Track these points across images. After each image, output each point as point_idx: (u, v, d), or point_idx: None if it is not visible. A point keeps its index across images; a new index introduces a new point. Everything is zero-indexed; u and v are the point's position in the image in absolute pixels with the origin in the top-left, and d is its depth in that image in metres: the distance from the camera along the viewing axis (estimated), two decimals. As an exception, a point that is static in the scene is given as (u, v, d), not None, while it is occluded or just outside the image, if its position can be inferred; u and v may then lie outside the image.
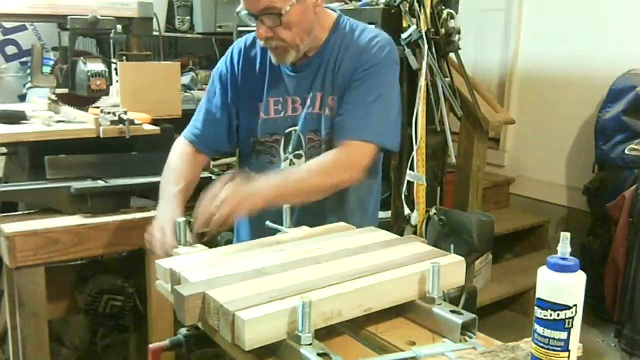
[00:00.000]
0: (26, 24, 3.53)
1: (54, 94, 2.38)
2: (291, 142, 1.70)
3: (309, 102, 1.68)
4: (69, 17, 2.23)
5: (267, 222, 1.53)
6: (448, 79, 2.73)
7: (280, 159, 1.72)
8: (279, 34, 1.56)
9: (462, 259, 1.26)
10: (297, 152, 1.70)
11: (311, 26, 1.61)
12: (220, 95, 1.77)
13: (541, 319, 0.91)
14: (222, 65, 1.81)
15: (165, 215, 1.55)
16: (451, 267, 1.23)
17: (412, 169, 2.62)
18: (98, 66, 2.23)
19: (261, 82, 1.72)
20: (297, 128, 1.69)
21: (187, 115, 2.97)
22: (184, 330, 1.22)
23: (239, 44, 1.80)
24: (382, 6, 2.51)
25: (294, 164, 1.70)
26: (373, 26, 1.84)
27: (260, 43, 1.63)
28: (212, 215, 1.38)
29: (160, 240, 1.48)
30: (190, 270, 1.19)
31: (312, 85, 1.67)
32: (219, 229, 1.39)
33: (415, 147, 2.59)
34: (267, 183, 1.48)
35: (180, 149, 1.78)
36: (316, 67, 1.67)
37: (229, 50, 1.82)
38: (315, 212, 1.61)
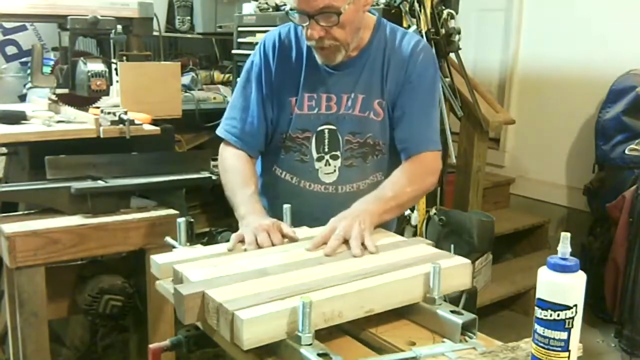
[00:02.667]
0: (26, 24, 3.52)
1: (54, 94, 2.38)
2: (325, 141, 1.68)
3: (348, 103, 1.66)
4: (69, 17, 2.23)
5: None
6: (448, 79, 2.73)
7: (312, 158, 1.69)
8: (332, 33, 1.54)
9: (468, 261, 1.26)
10: (333, 153, 1.68)
11: (360, 25, 1.61)
12: (257, 91, 1.72)
13: (541, 319, 0.91)
14: (255, 60, 1.75)
15: (258, 219, 1.47)
16: (457, 269, 1.23)
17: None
18: (98, 66, 2.23)
19: (297, 76, 1.68)
20: (331, 127, 1.67)
21: (187, 115, 3.00)
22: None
23: (271, 37, 1.74)
24: (382, 6, 2.51)
25: (329, 164, 1.68)
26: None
27: (309, 43, 1.59)
28: (340, 238, 1.34)
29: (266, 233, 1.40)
30: (191, 269, 1.19)
31: (354, 86, 1.65)
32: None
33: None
34: (368, 202, 1.49)
35: (232, 151, 1.72)
36: (360, 67, 1.66)
37: (260, 44, 1.76)
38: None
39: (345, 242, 1.34)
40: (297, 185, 1.71)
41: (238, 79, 1.85)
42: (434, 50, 1.96)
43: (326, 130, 1.67)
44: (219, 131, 1.76)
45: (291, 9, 1.54)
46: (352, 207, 1.47)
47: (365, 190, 1.64)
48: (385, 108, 1.65)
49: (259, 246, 1.36)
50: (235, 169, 1.67)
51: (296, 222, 1.52)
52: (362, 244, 1.33)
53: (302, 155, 1.70)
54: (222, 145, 1.76)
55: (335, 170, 1.68)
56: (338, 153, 1.67)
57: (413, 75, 1.64)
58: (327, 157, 1.68)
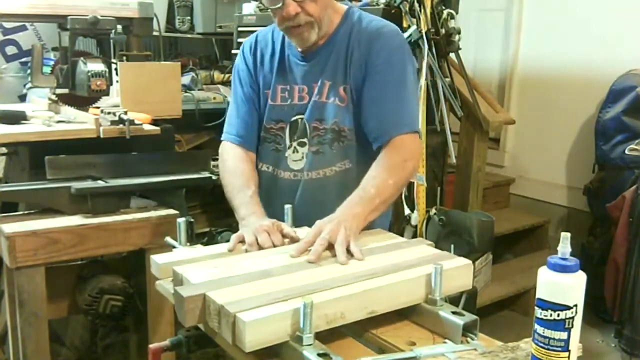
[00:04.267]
0: (26, 24, 3.52)
1: (54, 94, 2.38)
2: (296, 130, 1.71)
3: (316, 91, 1.68)
4: (69, 17, 2.23)
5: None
6: (448, 79, 2.73)
7: (285, 147, 1.72)
8: (307, 8, 1.57)
9: (469, 262, 1.26)
10: (300, 140, 1.70)
11: (329, 4, 1.64)
12: (243, 92, 1.79)
13: (541, 319, 0.91)
14: (238, 64, 1.83)
15: (258, 220, 1.50)
16: (458, 270, 1.23)
17: (412, 169, 2.61)
18: (98, 66, 2.22)
19: (270, 70, 1.75)
20: (301, 116, 1.70)
21: (187, 115, 2.99)
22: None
23: (248, 41, 1.83)
24: (382, 6, 2.51)
25: (297, 151, 1.70)
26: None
27: (285, 24, 1.61)
28: (325, 242, 1.33)
29: (267, 234, 1.41)
30: (192, 271, 1.19)
31: (321, 74, 1.68)
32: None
33: (415, 147, 2.58)
34: (351, 204, 1.47)
35: (232, 152, 1.77)
36: (326, 55, 1.68)
37: (240, 49, 1.85)
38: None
39: (331, 247, 1.32)
40: (273, 174, 1.75)
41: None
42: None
43: (299, 120, 1.70)
44: (222, 137, 1.83)
45: None
46: (337, 211, 1.45)
47: (331, 178, 1.67)
48: (350, 93, 1.65)
49: (259, 247, 1.36)
50: (235, 170, 1.71)
51: (271, 211, 1.58)
52: (348, 250, 1.31)
53: (277, 145, 1.74)
54: (221, 146, 1.81)
55: (303, 157, 1.70)
56: (305, 140, 1.69)
57: (378, 61, 1.62)
58: (295, 144, 1.71)
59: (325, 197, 1.65)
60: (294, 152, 1.71)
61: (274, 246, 1.37)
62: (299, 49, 1.69)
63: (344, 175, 1.67)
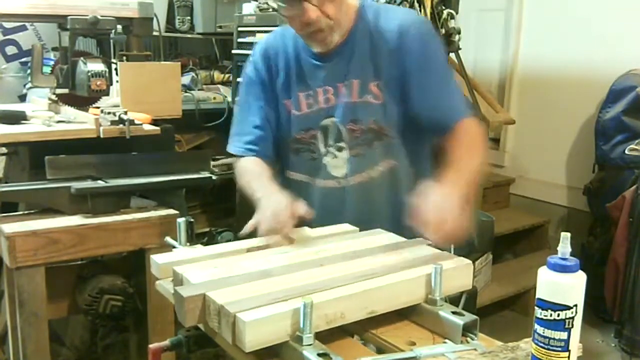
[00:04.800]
0: (26, 24, 3.52)
1: (54, 94, 2.38)
2: (329, 134, 1.63)
3: (344, 91, 1.60)
4: (69, 17, 2.23)
5: None
6: (448, 79, 2.72)
7: (321, 154, 1.65)
8: (326, 10, 1.50)
9: (469, 262, 1.25)
10: (338, 144, 1.62)
11: (346, 3, 1.57)
12: (255, 101, 1.71)
13: (541, 319, 0.90)
14: (249, 75, 1.75)
15: (273, 200, 1.45)
16: (458, 270, 1.23)
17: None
18: (98, 66, 2.23)
19: (287, 79, 1.67)
20: (333, 119, 1.62)
21: (187, 115, 2.99)
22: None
23: (259, 46, 1.75)
24: (382, 6, 2.51)
25: (336, 157, 1.63)
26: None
27: (305, 31, 1.54)
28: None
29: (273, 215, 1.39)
30: (192, 270, 1.19)
31: (346, 73, 1.60)
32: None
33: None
34: (453, 185, 1.40)
35: (245, 160, 1.70)
36: (348, 53, 1.60)
37: (251, 56, 1.76)
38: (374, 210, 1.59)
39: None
40: (310, 184, 1.67)
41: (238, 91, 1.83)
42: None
43: (329, 123, 1.63)
44: (230, 149, 1.76)
45: (280, 5, 1.51)
46: (441, 192, 1.37)
47: (378, 180, 1.60)
48: (385, 89, 1.58)
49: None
50: (249, 170, 1.65)
51: (313, 222, 1.49)
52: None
53: (312, 153, 1.66)
54: (237, 163, 1.73)
55: (343, 162, 1.63)
56: (343, 144, 1.62)
57: (415, 53, 1.56)
58: (333, 149, 1.63)
59: (374, 200, 1.61)
60: (333, 158, 1.63)
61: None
62: (318, 50, 1.61)
63: (391, 174, 1.62)
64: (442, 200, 1.33)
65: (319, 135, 1.64)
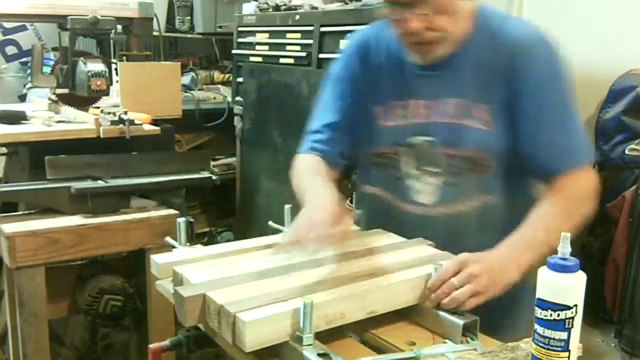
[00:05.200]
0: (26, 24, 3.53)
1: (54, 94, 2.38)
2: (421, 156, 1.41)
3: (445, 109, 1.37)
4: (69, 17, 2.24)
5: (270, 222, 1.52)
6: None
7: (405, 174, 1.43)
8: (436, 21, 1.28)
9: None
10: (428, 169, 1.40)
11: (458, 10, 1.33)
12: (337, 100, 1.50)
13: (541, 319, 0.90)
14: (337, 67, 1.53)
15: (312, 209, 1.24)
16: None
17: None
18: (98, 66, 2.23)
19: (381, 82, 1.45)
20: (425, 138, 1.40)
21: (187, 115, 3.00)
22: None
23: (356, 38, 1.53)
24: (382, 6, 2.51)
25: (423, 182, 1.41)
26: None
27: (406, 39, 1.33)
28: (452, 289, 1.12)
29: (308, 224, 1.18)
30: (192, 270, 1.19)
31: (451, 88, 1.37)
32: (462, 306, 1.12)
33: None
34: (518, 247, 1.22)
35: (303, 159, 1.50)
36: (457, 65, 1.36)
37: (344, 49, 1.56)
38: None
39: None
40: (393, 206, 1.46)
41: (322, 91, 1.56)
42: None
43: (420, 143, 1.40)
44: (300, 149, 1.55)
45: (386, 4, 1.31)
46: (498, 250, 1.20)
47: (468, 215, 1.38)
48: (495, 115, 1.34)
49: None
50: (304, 168, 1.46)
51: None
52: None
53: (394, 173, 1.45)
54: (295, 159, 1.54)
55: (432, 189, 1.41)
56: (434, 169, 1.40)
57: (534, 73, 1.33)
58: (420, 173, 1.42)
59: (460, 237, 1.36)
60: (419, 182, 1.42)
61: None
62: (417, 62, 1.39)
63: (485, 211, 1.38)
64: (479, 265, 1.15)
65: (405, 154, 1.43)
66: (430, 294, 1.14)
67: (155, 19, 2.72)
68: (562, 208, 1.28)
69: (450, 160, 1.38)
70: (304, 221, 1.21)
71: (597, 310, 3.43)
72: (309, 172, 1.44)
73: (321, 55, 2.62)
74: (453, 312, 1.10)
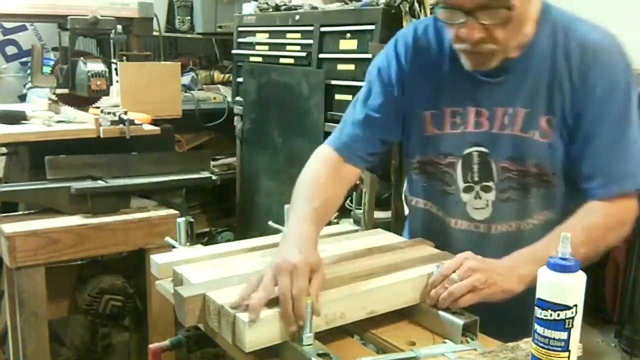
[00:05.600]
0: (26, 24, 3.53)
1: (54, 94, 2.38)
2: (474, 168, 1.32)
3: (505, 119, 1.28)
4: (69, 17, 2.24)
5: (270, 222, 1.52)
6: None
7: (458, 188, 1.34)
8: (494, 34, 1.18)
9: None
10: (485, 183, 1.31)
11: (524, 20, 1.22)
12: (380, 95, 1.38)
13: (541, 319, 0.90)
14: (381, 61, 1.41)
15: (288, 252, 1.10)
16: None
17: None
18: (98, 66, 2.23)
19: (435, 85, 1.34)
20: (482, 149, 1.30)
21: (187, 115, 3.00)
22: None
23: (404, 35, 1.40)
24: (382, 6, 2.51)
25: (479, 197, 1.32)
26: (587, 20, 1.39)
27: (459, 45, 1.23)
28: (451, 284, 1.11)
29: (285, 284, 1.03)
30: (192, 270, 1.19)
31: (514, 97, 1.27)
32: (453, 303, 1.10)
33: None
34: (524, 259, 1.15)
35: (321, 156, 1.38)
36: (521, 72, 1.27)
37: (391, 42, 1.42)
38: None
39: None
40: (443, 221, 1.38)
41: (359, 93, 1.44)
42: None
43: (475, 154, 1.31)
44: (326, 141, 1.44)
45: (438, 4, 1.20)
46: (504, 260, 1.17)
47: (529, 234, 1.28)
48: (557, 127, 1.25)
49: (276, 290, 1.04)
50: (307, 177, 1.33)
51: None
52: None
53: (446, 185, 1.36)
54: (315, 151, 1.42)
55: (487, 205, 1.32)
56: (491, 183, 1.31)
57: (596, 86, 1.23)
58: (477, 187, 1.32)
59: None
60: (475, 197, 1.32)
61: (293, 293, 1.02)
62: (469, 69, 1.28)
63: (545, 228, 1.26)
64: (480, 264, 1.13)
65: (458, 165, 1.33)
66: (432, 289, 1.13)
67: (155, 19, 2.72)
68: (585, 226, 1.19)
69: (508, 174, 1.29)
70: (281, 264, 1.06)
71: (597, 310, 3.43)
72: (305, 192, 1.28)
73: (321, 55, 2.62)
74: (453, 312, 1.10)
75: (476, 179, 1.32)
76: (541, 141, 1.26)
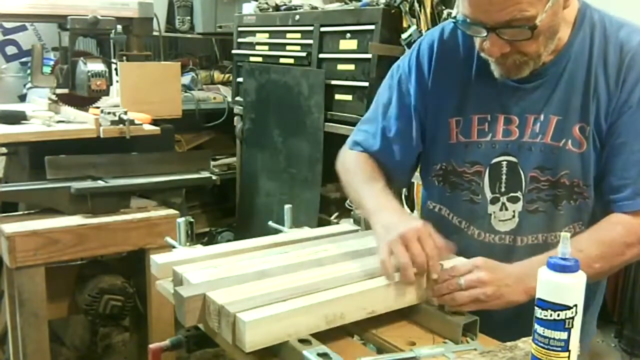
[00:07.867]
0: (26, 24, 3.53)
1: (54, 94, 2.38)
2: (502, 178, 1.27)
3: (536, 127, 1.23)
4: (69, 17, 2.24)
5: (270, 222, 1.52)
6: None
7: (485, 199, 1.29)
8: (521, 48, 1.14)
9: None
10: (512, 194, 1.26)
11: (557, 28, 1.17)
12: (401, 107, 1.36)
13: (541, 319, 0.90)
14: (404, 66, 1.38)
15: (401, 220, 1.16)
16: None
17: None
18: (98, 66, 2.23)
19: (461, 91, 1.29)
20: (511, 159, 1.26)
21: (187, 115, 3.00)
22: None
23: (429, 38, 1.36)
24: (382, 6, 2.51)
25: (506, 208, 1.27)
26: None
27: (484, 54, 1.19)
28: (456, 288, 1.10)
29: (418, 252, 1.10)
30: (192, 271, 1.19)
31: (546, 104, 1.22)
32: (458, 307, 1.10)
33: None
34: (533, 270, 1.03)
35: (354, 154, 1.40)
36: (554, 78, 1.22)
37: (414, 47, 1.38)
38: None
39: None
40: (466, 232, 1.32)
41: (380, 89, 1.43)
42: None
43: (504, 164, 1.26)
44: (347, 143, 1.44)
45: (460, 19, 1.16)
46: (517, 264, 1.15)
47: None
48: (591, 136, 1.20)
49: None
50: (357, 167, 1.36)
51: None
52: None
53: (473, 195, 1.30)
54: (342, 150, 1.44)
55: (514, 216, 1.27)
56: (519, 194, 1.25)
57: (633, 92, 1.17)
58: (503, 199, 1.27)
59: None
60: (502, 209, 1.27)
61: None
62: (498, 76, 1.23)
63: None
64: (489, 275, 1.10)
65: (485, 175, 1.28)
66: (435, 284, 1.13)
67: (155, 19, 2.73)
68: (603, 240, 1.16)
69: (535, 184, 1.24)
70: (402, 235, 1.11)
71: (597, 310, 3.43)
72: (362, 176, 1.32)
73: (321, 55, 2.63)
74: (453, 312, 1.10)
75: (503, 189, 1.27)
76: (574, 151, 1.21)
